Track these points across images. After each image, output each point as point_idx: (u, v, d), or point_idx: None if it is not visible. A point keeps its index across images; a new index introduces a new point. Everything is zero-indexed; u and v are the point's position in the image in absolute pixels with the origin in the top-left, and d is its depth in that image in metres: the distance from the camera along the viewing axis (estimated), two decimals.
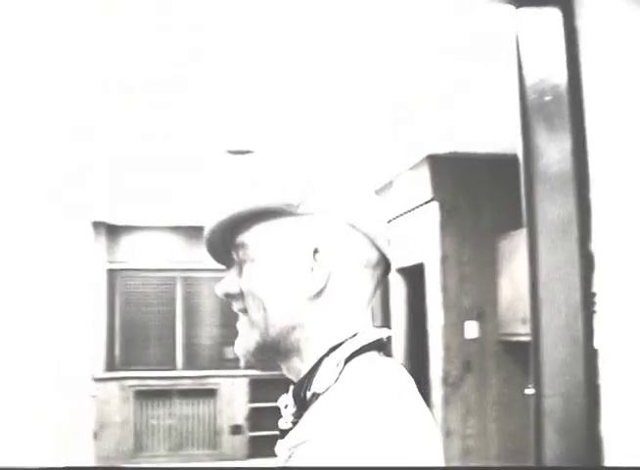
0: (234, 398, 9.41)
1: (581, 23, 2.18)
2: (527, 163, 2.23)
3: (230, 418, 9.39)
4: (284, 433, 0.96)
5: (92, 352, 8.89)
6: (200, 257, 8.57)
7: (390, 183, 6.95)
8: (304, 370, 0.97)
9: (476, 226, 6.06)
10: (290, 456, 0.87)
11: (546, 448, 2.07)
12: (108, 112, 4.81)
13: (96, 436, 9.03)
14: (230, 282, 1.01)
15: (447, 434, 5.86)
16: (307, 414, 0.93)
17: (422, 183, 6.21)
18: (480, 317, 5.97)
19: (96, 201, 7.91)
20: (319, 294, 0.96)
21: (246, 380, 9.30)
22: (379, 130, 5.35)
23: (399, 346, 6.84)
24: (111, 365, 9.39)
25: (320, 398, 0.93)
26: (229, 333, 9.22)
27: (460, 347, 5.92)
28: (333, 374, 0.92)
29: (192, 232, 9.17)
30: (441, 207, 6.05)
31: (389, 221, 6.95)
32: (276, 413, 1.04)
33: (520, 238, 4.51)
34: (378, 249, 1.00)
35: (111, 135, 5.34)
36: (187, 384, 9.40)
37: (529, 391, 5.14)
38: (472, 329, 5.95)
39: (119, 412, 9.22)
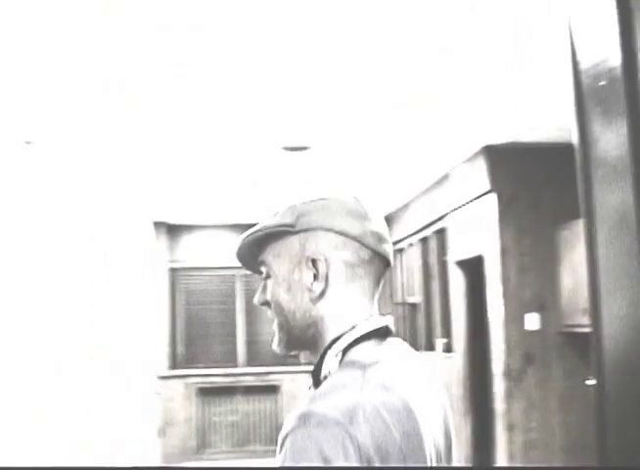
0: (296, 393, 9.45)
1: (636, 4, 2.12)
2: (583, 149, 2.17)
3: None
4: None
5: (156, 351, 9.03)
6: None
7: (446, 176, 6.89)
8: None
9: (535, 216, 5.97)
10: (281, 446, 1.00)
11: (609, 441, 2.02)
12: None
13: (161, 433, 9.17)
14: (261, 293, 1.24)
15: (510, 427, 5.79)
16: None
17: (479, 175, 6.14)
18: (540, 309, 5.88)
19: (156, 201, 8.03)
20: (322, 296, 1.16)
21: (306, 376, 9.33)
22: (433, 122, 5.30)
23: (459, 339, 6.78)
24: (174, 363, 9.53)
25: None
26: None
27: (521, 339, 5.84)
28: (333, 363, 1.12)
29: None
30: (500, 198, 5.98)
31: (444, 215, 6.87)
32: None
33: (580, 227, 4.42)
34: (369, 247, 1.17)
35: (171, 137, 5.41)
36: (249, 381, 9.49)
37: (590, 381, 5.04)
38: (533, 321, 5.86)
39: (183, 410, 9.36)
